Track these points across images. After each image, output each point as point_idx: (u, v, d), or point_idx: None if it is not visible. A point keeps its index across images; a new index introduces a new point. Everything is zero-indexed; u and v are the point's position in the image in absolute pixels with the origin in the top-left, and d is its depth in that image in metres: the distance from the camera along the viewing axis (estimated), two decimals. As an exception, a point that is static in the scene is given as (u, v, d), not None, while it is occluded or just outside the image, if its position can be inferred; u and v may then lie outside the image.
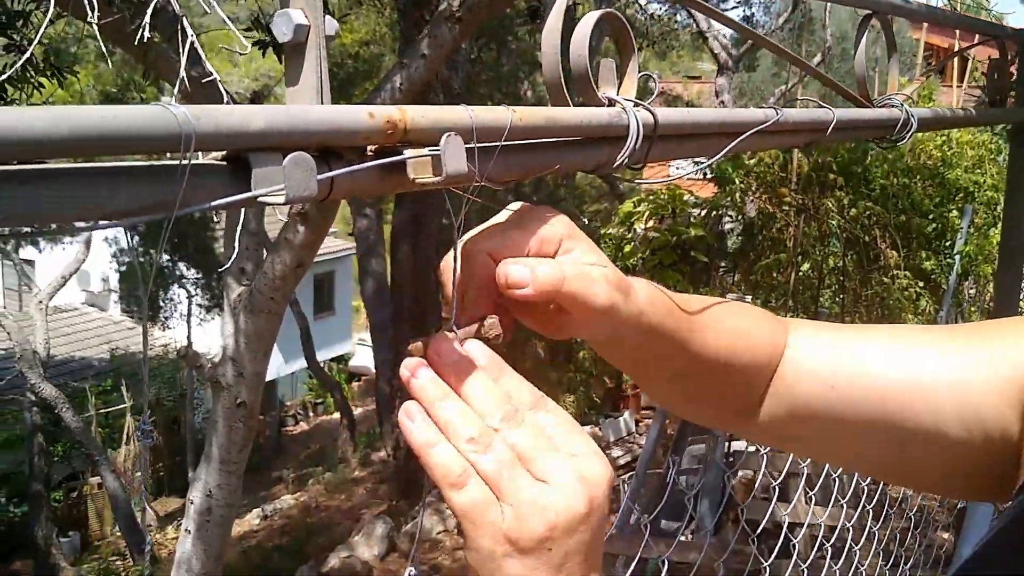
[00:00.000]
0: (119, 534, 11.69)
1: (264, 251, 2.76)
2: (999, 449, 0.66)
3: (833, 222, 7.43)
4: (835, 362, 0.73)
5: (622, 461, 9.82)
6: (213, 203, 0.41)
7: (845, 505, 2.80)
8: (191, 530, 2.79)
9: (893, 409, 0.69)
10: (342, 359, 21.34)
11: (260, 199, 0.42)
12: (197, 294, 15.60)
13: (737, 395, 0.76)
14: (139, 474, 14.23)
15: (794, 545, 2.45)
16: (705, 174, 8.74)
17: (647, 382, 0.77)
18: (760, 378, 0.75)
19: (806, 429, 0.76)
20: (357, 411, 15.64)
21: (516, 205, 0.63)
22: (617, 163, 0.68)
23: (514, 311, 0.63)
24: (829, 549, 2.80)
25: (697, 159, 0.79)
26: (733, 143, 0.79)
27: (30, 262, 17.30)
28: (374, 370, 13.33)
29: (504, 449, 0.54)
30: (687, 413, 0.85)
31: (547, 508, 0.53)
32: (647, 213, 8.31)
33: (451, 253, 0.59)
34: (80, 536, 12.98)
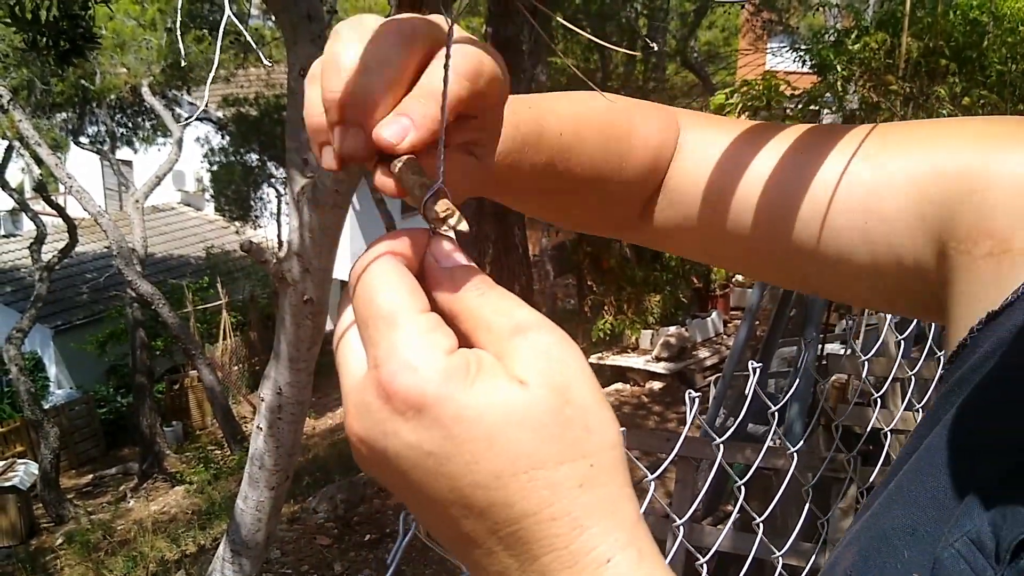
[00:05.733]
0: (217, 425, 12.19)
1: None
2: (916, 278, 0.56)
3: (944, 112, 6.92)
4: (729, 174, 0.62)
5: (709, 362, 9.67)
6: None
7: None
8: (262, 428, 2.76)
9: (784, 230, 0.60)
10: (429, 258, 21.53)
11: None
12: (287, 192, 15.79)
13: (617, 206, 0.66)
14: (235, 368, 14.77)
15: (883, 434, 2.28)
16: (804, 62, 8.23)
17: (511, 200, 0.65)
18: (643, 187, 0.65)
19: (701, 239, 0.66)
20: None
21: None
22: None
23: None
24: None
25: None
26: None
27: (128, 163, 17.73)
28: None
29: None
30: (565, 226, 0.73)
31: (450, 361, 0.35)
32: (740, 105, 7.89)
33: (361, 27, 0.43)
34: (183, 426, 13.61)
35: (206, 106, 15.48)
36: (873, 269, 0.57)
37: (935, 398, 0.51)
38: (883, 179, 0.56)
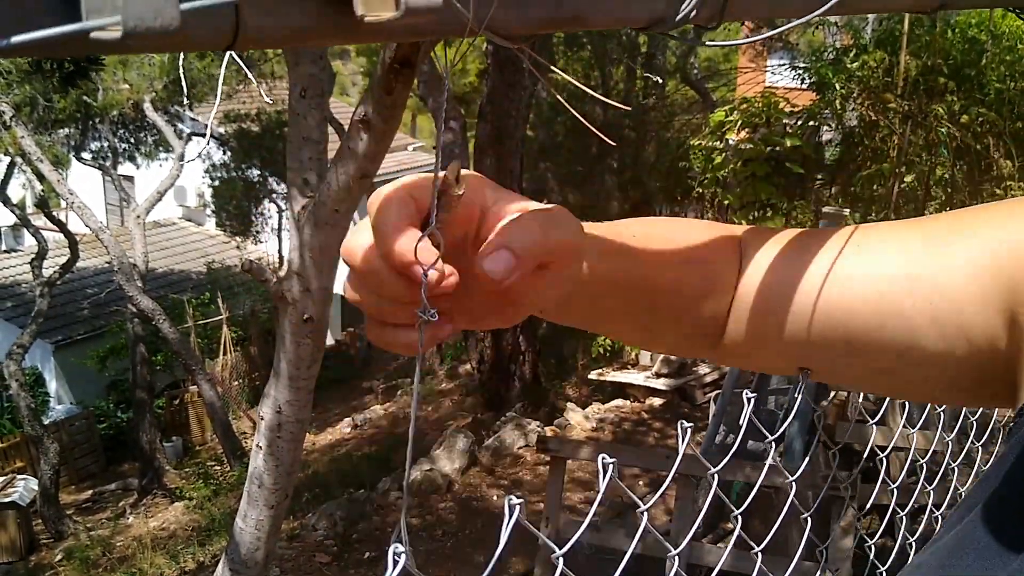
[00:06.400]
0: (217, 440, 12.17)
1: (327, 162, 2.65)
2: (989, 359, 0.56)
3: (942, 130, 6.94)
4: (791, 287, 0.63)
5: (709, 379, 9.66)
6: (15, 38, 0.27)
7: (941, 428, 2.59)
8: (262, 446, 2.77)
9: (856, 328, 0.60)
10: (430, 273, 21.53)
11: (93, 35, 0.27)
12: (288, 209, 15.77)
13: (694, 326, 0.67)
14: (235, 383, 14.75)
15: (880, 460, 2.27)
16: (803, 79, 8.27)
17: (605, 331, 0.69)
18: (715, 308, 0.65)
19: (772, 353, 0.67)
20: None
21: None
22: (680, 16, 0.51)
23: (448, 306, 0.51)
24: (923, 471, 2.61)
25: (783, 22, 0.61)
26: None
27: (129, 178, 17.76)
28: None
29: None
30: (651, 349, 0.78)
31: None
32: (739, 122, 7.92)
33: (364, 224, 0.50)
34: (182, 441, 13.58)
35: (208, 122, 15.56)
36: (943, 352, 0.58)
37: (1004, 448, 0.52)
38: (945, 264, 0.57)
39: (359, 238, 0.49)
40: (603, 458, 0.55)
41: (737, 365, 0.67)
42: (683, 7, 0.50)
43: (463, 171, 0.49)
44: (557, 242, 0.51)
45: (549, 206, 0.53)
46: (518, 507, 0.47)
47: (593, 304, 0.61)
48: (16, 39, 0.27)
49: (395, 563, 0.44)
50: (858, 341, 0.60)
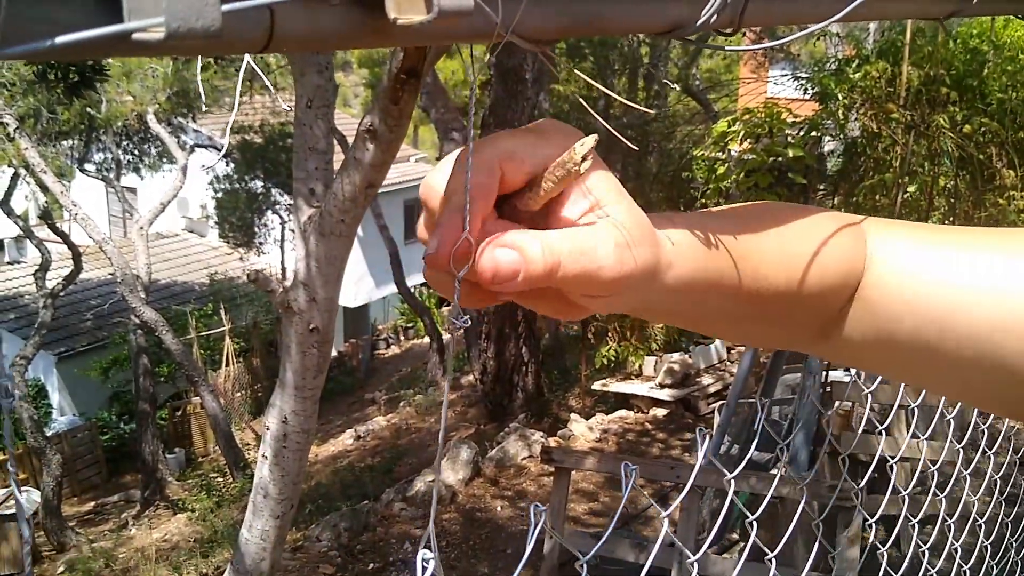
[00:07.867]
0: (220, 451, 12.16)
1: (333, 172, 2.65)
2: None
3: (945, 140, 6.95)
4: (931, 290, 0.57)
5: (713, 389, 9.64)
6: (59, 39, 0.27)
7: (949, 438, 2.59)
8: (268, 456, 2.76)
9: (1005, 345, 0.53)
10: (432, 284, 21.59)
11: (135, 36, 0.27)
12: (291, 219, 15.81)
13: (804, 323, 0.63)
14: (238, 394, 14.75)
15: (889, 467, 2.27)
16: (806, 90, 8.28)
17: (696, 328, 0.64)
18: (832, 302, 0.61)
19: (897, 358, 0.61)
20: (447, 336, 15.78)
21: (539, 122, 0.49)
22: (700, 21, 0.51)
23: (516, 296, 0.49)
24: (931, 479, 2.60)
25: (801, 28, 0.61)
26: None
27: (132, 189, 17.80)
28: (462, 295, 13.30)
29: None
30: (750, 344, 0.72)
31: None
32: (742, 133, 7.93)
33: (450, 160, 0.46)
34: (185, 452, 13.56)
35: (210, 133, 15.59)
36: None
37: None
38: None
39: (436, 178, 0.47)
40: (626, 464, 0.55)
41: (850, 364, 0.62)
42: (704, 12, 0.51)
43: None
44: (580, 279, 0.46)
45: (630, 216, 0.47)
46: (543, 515, 0.47)
47: (676, 311, 0.57)
48: (60, 40, 0.27)
49: (424, 569, 0.44)
50: (1015, 370, 0.54)
